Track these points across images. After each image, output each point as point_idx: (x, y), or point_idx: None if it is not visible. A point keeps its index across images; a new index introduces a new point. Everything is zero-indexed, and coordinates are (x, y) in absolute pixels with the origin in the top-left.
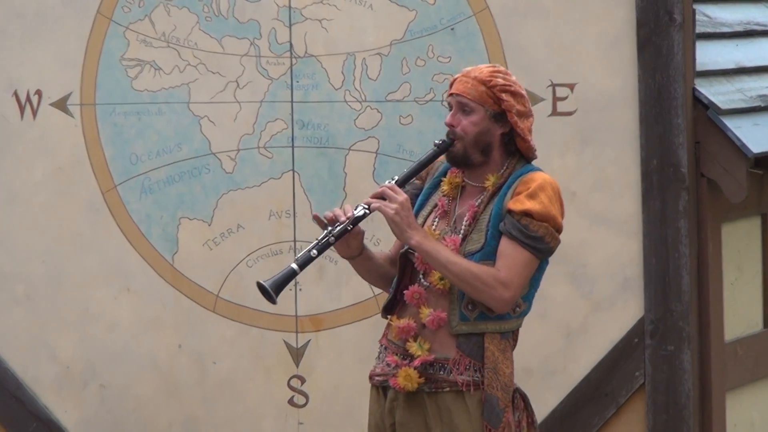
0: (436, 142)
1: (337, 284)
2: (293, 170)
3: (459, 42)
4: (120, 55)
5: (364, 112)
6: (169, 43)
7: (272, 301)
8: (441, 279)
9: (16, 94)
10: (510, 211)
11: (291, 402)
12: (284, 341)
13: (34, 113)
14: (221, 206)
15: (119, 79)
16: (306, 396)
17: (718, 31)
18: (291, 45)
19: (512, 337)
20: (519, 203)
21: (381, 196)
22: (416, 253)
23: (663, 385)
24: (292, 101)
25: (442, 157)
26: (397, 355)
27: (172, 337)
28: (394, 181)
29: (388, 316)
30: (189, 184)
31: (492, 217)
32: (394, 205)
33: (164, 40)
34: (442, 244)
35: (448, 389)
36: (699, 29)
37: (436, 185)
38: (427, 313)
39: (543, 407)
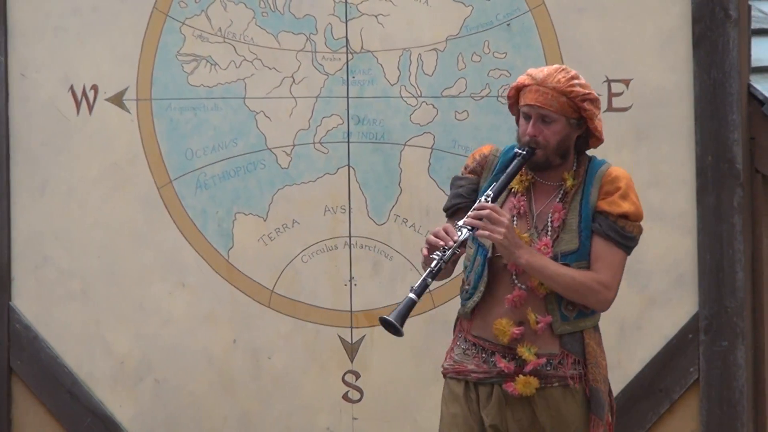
0: (519, 151)
1: (391, 280)
2: (348, 165)
3: (515, 38)
4: (176, 51)
5: (420, 107)
6: (225, 39)
7: (399, 333)
8: (541, 284)
9: (72, 89)
10: (604, 212)
11: (345, 397)
12: (339, 336)
13: (90, 109)
14: (276, 201)
15: (175, 75)
16: (360, 391)
17: None
18: (347, 40)
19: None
20: (615, 206)
21: (480, 217)
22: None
23: (717, 381)
24: (347, 97)
25: (496, 150)
26: (504, 357)
27: (227, 332)
28: (489, 198)
29: (431, 280)
30: (244, 179)
31: (583, 218)
32: (502, 230)
33: (220, 35)
34: (547, 258)
35: (557, 384)
36: (754, 25)
37: (496, 180)
38: (534, 318)
39: None
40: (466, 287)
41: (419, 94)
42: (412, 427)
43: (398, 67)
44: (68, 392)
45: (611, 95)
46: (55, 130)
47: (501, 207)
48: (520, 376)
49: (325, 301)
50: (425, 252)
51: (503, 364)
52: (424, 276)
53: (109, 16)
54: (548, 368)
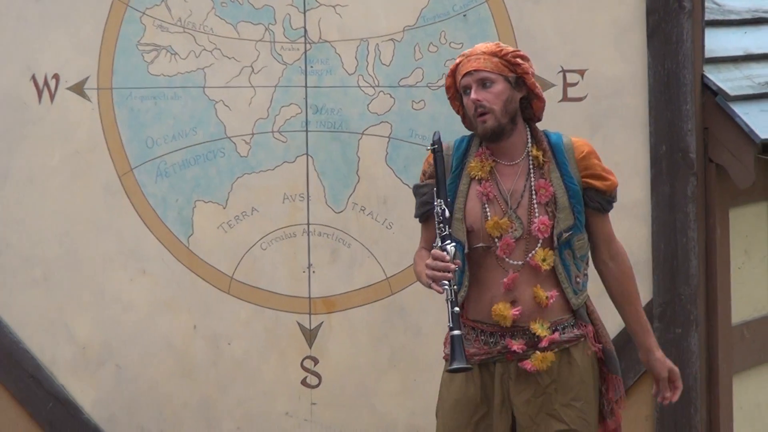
0: (429, 148)
1: (349, 266)
2: (307, 154)
3: (471, 28)
4: (137, 40)
5: (377, 97)
6: (185, 29)
7: (469, 369)
8: (544, 260)
9: (34, 78)
10: (598, 189)
11: (304, 383)
12: (298, 323)
13: (52, 97)
14: (236, 189)
15: (136, 64)
16: (319, 377)
17: (726, 18)
18: (305, 31)
19: None
20: (604, 180)
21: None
22: (493, 244)
23: None
24: (306, 86)
25: (448, 148)
26: (513, 338)
27: (187, 318)
28: (443, 241)
29: (457, 308)
30: (204, 167)
31: (571, 194)
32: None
33: (180, 25)
34: (644, 319)
35: (555, 349)
36: (708, 16)
37: (459, 176)
38: (544, 295)
39: None
40: (454, 285)
41: (377, 83)
42: (369, 411)
43: (356, 57)
44: (31, 377)
45: (566, 85)
46: (17, 119)
47: (467, 198)
48: (537, 352)
49: (284, 288)
50: (437, 288)
51: (515, 345)
52: (450, 309)
53: (69, 6)
54: (553, 331)
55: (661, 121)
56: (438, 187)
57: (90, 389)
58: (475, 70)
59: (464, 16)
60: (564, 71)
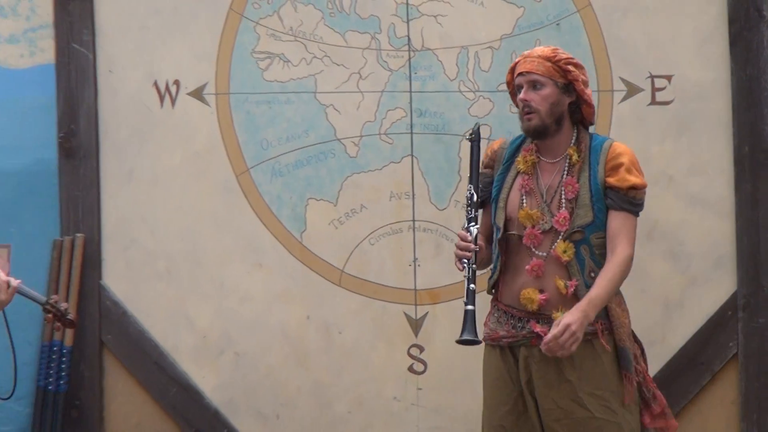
0: (467, 138)
1: (451, 260)
2: (412, 155)
3: (564, 36)
4: (251, 49)
5: (477, 101)
6: (297, 37)
7: (478, 342)
8: (564, 251)
9: (156, 84)
10: (615, 188)
11: (411, 369)
12: (404, 313)
13: (173, 102)
14: (345, 188)
15: (251, 71)
16: (424, 363)
17: None
18: (409, 39)
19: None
20: (624, 180)
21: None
22: (524, 233)
23: (754, 355)
24: (410, 91)
25: (505, 142)
26: (538, 322)
27: (300, 308)
28: (471, 229)
29: (493, 290)
30: (316, 167)
31: (593, 193)
32: (571, 338)
33: (292, 34)
34: (592, 291)
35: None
36: None
37: (508, 168)
38: (564, 284)
39: None
40: (474, 265)
41: (476, 88)
42: (472, 396)
43: (457, 64)
44: (155, 364)
45: (655, 90)
46: (141, 123)
47: (511, 188)
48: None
49: (391, 280)
50: (459, 265)
51: (538, 328)
52: (467, 285)
53: (188, 17)
54: None
55: (743, 123)
56: (471, 174)
57: (210, 375)
58: (527, 72)
59: (557, 24)
60: (652, 77)
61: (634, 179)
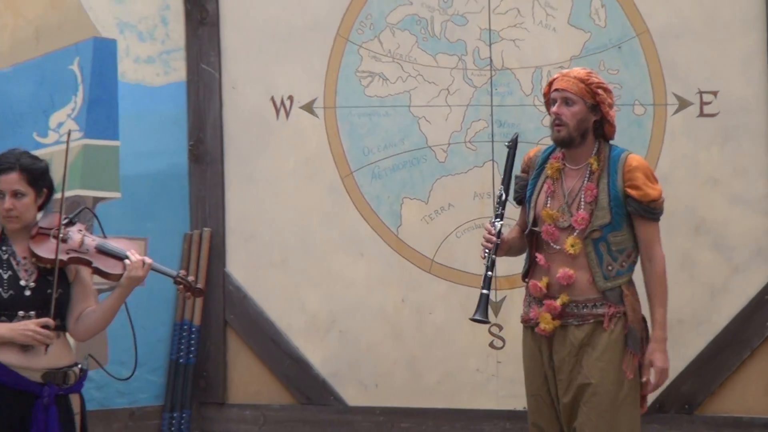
0: (506, 145)
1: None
2: (493, 160)
3: (625, 57)
4: (355, 68)
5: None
6: (394, 59)
7: (488, 322)
8: (572, 246)
9: (273, 99)
10: (637, 200)
11: (491, 345)
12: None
13: (287, 114)
14: (435, 189)
15: (354, 87)
16: (503, 340)
17: None
18: (491, 60)
19: None
20: (645, 195)
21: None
22: (542, 227)
23: None
24: (491, 105)
25: (540, 150)
26: (538, 304)
27: (396, 292)
28: (502, 200)
29: (526, 279)
30: (410, 171)
31: (612, 197)
32: (665, 376)
33: (390, 56)
34: (658, 313)
35: (592, 321)
36: None
37: (540, 173)
38: (575, 278)
39: (692, 350)
40: (492, 254)
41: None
42: None
43: (531, 81)
44: (271, 340)
45: (703, 104)
46: (260, 132)
47: (540, 191)
48: (545, 316)
49: (474, 268)
50: (482, 254)
51: (535, 311)
52: (485, 273)
53: (301, 41)
54: (584, 309)
55: None
56: (503, 177)
57: (318, 350)
58: (562, 89)
59: (619, 48)
60: (700, 92)
61: (652, 193)
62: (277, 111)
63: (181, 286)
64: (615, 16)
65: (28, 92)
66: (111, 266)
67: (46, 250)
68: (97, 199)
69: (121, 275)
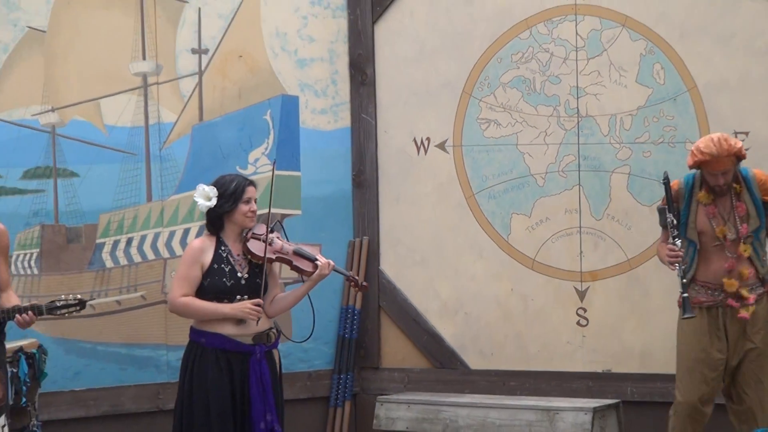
0: (661, 182)
1: (605, 253)
2: (579, 185)
3: (678, 107)
4: (476, 116)
5: (621, 149)
6: (505, 109)
7: (694, 317)
8: (745, 250)
9: (414, 140)
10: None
11: (578, 323)
12: (574, 287)
13: (426, 151)
14: (536, 206)
15: (475, 130)
16: (587, 319)
17: None
18: (578, 110)
19: None
20: None
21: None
22: (716, 242)
23: None
24: (578, 143)
25: (680, 183)
26: (732, 298)
27: (507, 284)
28: (675, 230)
29: (685, 279)
30: (517, 193)
31: (757, 207)
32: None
33: (502, 107)
34: None
35: (752, 302)
36: None
37: (689, 202)
38: (747, 272)
39: None
40: (683, 265)
41: (621, 141)
42: (618, 341)
43: (608, 125)
44: (413, 320)
45: None
46: (405, 164)
47: (696, 214)
48: (748, 306)
49: (566, 266)
50: (673, 268)
51: (732, 302)
52: (681, 279)
53: (436, 96)
54: (752, 293)
55: None
56: (668, 206)
57: (449, 327)
58: (724, 170)
59: (674, 99)
60: (735, 133)
61: None
62: (418, 149)
63: (352, 283)
64: (671, 76)
65: (232, 135)
66: (305, 265)
67: (259, 250)
68: (284, 215)
69: (311, 273)
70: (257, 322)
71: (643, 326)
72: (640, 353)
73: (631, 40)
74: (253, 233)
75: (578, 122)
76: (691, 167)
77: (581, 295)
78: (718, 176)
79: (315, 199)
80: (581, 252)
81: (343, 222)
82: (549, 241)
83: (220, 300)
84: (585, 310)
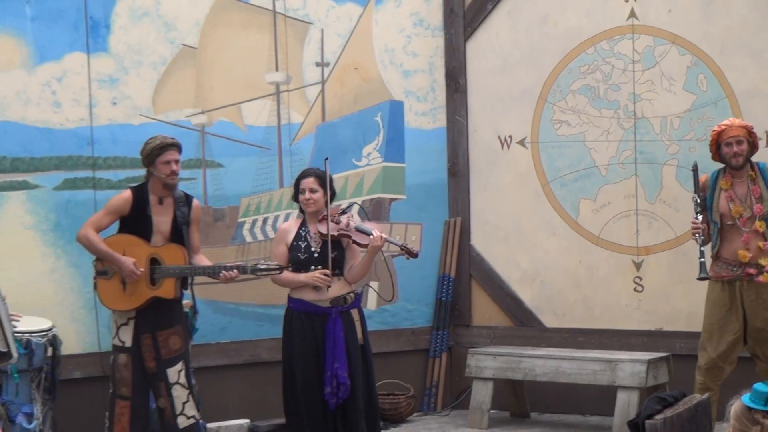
0: (691, 169)
1: (657, 231)
2: (636, 174)
3: (719, 110)
4: (550, 117)
5: (671, 146)
6: (574, 111)
7: (708, 278)
8: (761, 226)
9: (499, 137)
10: None
11: (635, 289)
12: (632, 260)
13: (508, 147)
14: (600, 193)
15: (549, 130)
16: (642, 286)
17: None
18: (634, 112)
19: None
20: None
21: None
22: (735, 221)
23: None
24: (635, 140)
25: (708, 177)
26: (749, 267)
27: (576, 257)
28: (698, 209)
29: (703, 248)
30: (584, 181)
31: None
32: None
33: (572, 110)
34: None
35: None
36: None
37: (714, 189)
38: (762, 244)
39: None
40: (702, 236)
41: (671, 139)
42: (669, 303)
43: (660, 125)
44: (498, 286)
45: None
46: (491, 158)
47: (719, 199)
48: (765, 273)
49: (625, 241)
50: (695, 238)
51: (750, 270)
52: (700, 248)
53: (518, 101)
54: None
55: None
56: (694, 188)
57: (528, 292)
58: (737, 135)
59: (715, 104)
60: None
61: None
62: (502, 145)
63: (405, 252)
64: (712, 85)
65: (349, 134)
66: (361, 239)
67: (325, 228)
68: (391, 200)
69: (366, 245)
70: (327, 289)
71: (689, 292)
72: (687, 314)
73: (679, 55)
74: (324, 215)
75: (635, 123)
76: (711, 146)
77: (637, 266)
78: (732, 145)
79: (417, 186)
80: (637, 230)
81: (440, 205)
82: (610, 222)
83: (298, 270)
84: (641, 279)
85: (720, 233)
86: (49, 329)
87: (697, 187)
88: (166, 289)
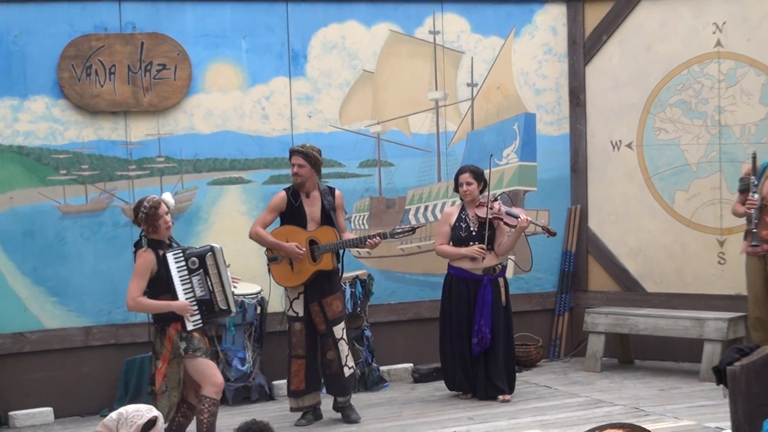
0: (752, 155)
1: (734, 217)
2: (720, 171)
3: None
4: (652, 126)
5: (749, 147)
6: (671, 121)
7: (758, 245)
8: None
9: (611, 141)
10: None
11: (718, 263)
12: (716, 239)
13: (618, 149)
14: (691, 185)
15: (652, 135)
16: (725, 259)
17: None
18: (719, 121)
19: None
20: None
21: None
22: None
23: None
24: (720, 144)
25: (760, 164)
26: None
27: (671, 235)
28: (755, 188)
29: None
30: (678, 176)
31: None
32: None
33: (669, 120)
34: None
35: None
36: None
37: (760, 177)
38: None
39: None
40: (755, 211)
41: (749, 142)
42: (743, 274)
43: (740, 132)
44: (609, 260)
45: None
46: (604, 158)
47: (763, 185)
48: None
49: (711, 224)
50: (749, 211)
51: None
52: (753, 220)
53: (626, 113)
54: None
55: None
56: (753, 172)
57: (632, 264)
58: None
59: None
60: None
61: None
62: (613, 147)
63: (545, 231)
64: None
65: (493, 139)
66: (510, 221)
67: (482, 212)
68: (525, 191)
69: (514, 225)
70: (482, 260)
71: (743, 260)
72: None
73: (756, 75)
74: (481, 202)
75: (719, 130)
76: None
77: (720, 243)
78: None
79: (546, 180)
80: (721, 215)
81: (564, 195)
82: (699, 208)
83: (459, 245)
84: (723, 254)
85: (760, 214)
86: (258, 292)
87: (755, 171)
88: (326, 262)
